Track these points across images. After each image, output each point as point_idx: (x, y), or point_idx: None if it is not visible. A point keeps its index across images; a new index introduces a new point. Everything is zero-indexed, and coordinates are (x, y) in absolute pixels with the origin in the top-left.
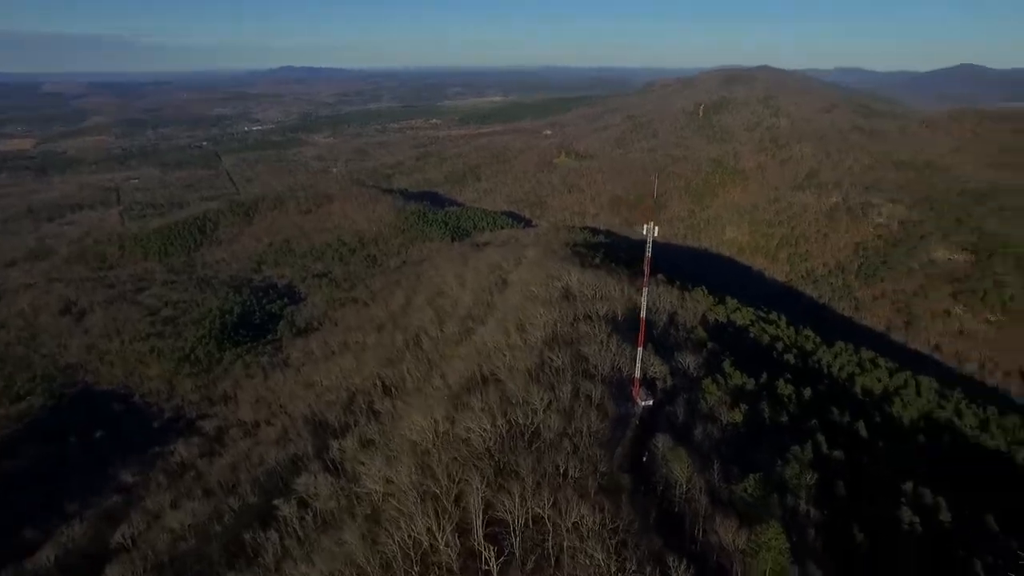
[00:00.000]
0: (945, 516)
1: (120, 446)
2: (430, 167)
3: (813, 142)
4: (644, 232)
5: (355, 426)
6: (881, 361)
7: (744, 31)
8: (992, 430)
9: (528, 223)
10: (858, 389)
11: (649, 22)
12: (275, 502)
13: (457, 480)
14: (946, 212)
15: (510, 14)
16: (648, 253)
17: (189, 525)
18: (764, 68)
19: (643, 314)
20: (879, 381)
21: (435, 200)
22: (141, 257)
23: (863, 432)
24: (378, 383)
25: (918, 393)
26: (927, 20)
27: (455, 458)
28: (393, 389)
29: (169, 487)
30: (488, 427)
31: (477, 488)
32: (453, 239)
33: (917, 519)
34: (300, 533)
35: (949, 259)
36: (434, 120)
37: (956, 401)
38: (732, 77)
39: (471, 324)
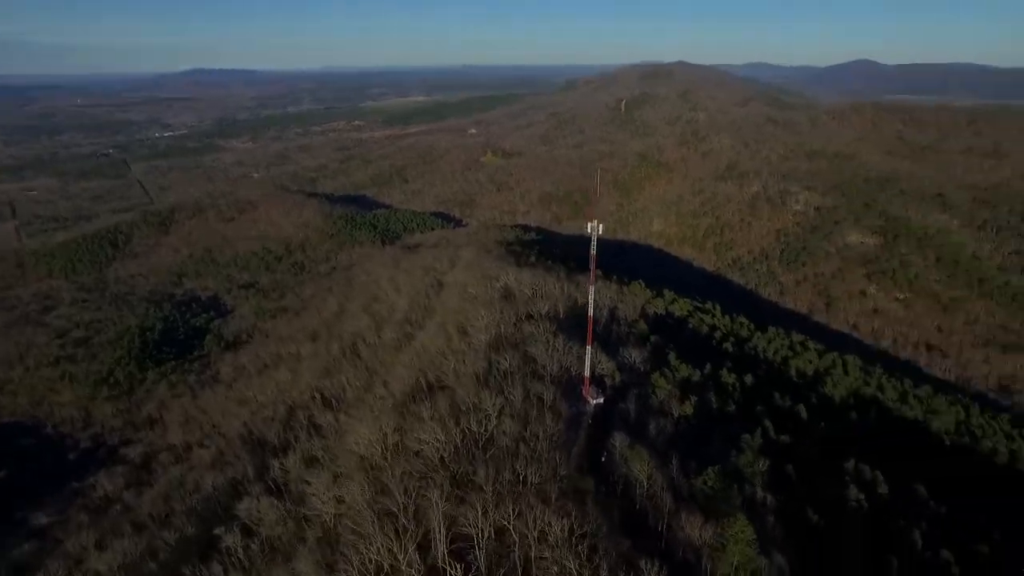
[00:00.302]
0: (883, 489)
1: (31, 484)
2: (355, 169)
3: (731, 134)
4: (588, 230)
5: (296, 443)
6: (810, 343)
7: (658, 28)
8: (910, 401)
9: (459, 223)
10: (792, 372)
11: (567, 21)
12: (216, 531)
13: (414, 495)
14: (855, 198)
15: (429, 13)
16: (593, 251)
17: (119, 566)
18: (681, 64)
19: (591, 312)
20: (810, 363)
21: (362, 203)
22: (45, 275)
23: (804, 414)
24: (317, 396)
25: (845, 372)
26: (825, 17)
27: (409, 472)
28: (334, 401)
29: (92, 525)
30: (441, 437)
31: (437, 503)
32: (383, 242)
33: (862, 495)
34: (246, 563)
35: (861, 242)
36: (357, 122)
37: (878, 377)
38: (651, 73)
39: (410, 329)
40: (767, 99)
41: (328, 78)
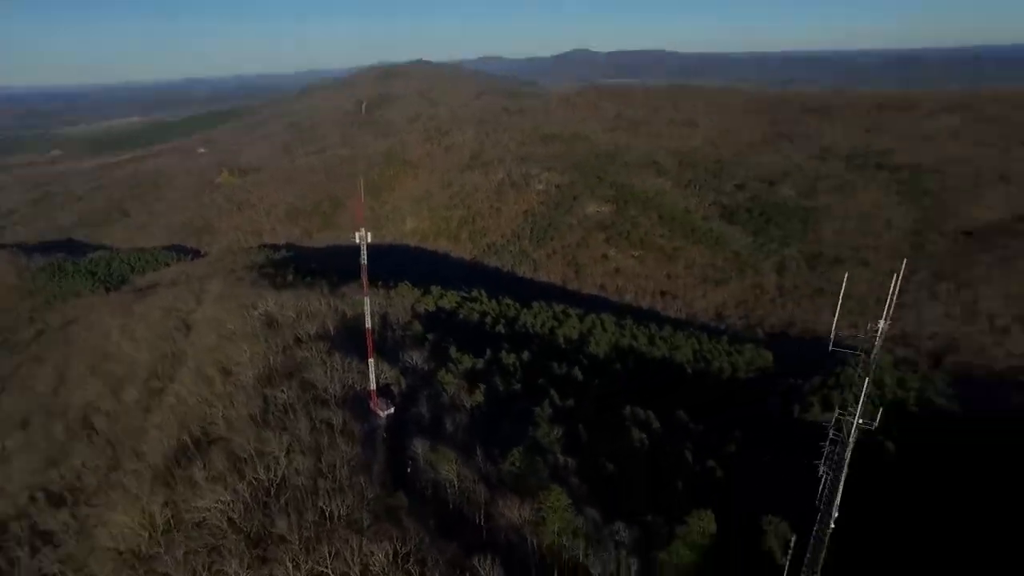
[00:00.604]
0: (656, 425)
1: None
2: (58, 210)
3: (472, 126)
4: (356, 239)
5: (16, 567)
6: (570, 310)
7: (391, 28)
8: (657, 343)
9: (197, 253)
10: (561, 340)
11: (296, 24)
12: None
13: (207, 574)
14: (589, 173)
15: (138, 20)
16: (363, 260)
17: None
18: (418, 63)
19: (368, 323)
20: (574, 328)
21: (73, 249)
22: None
23: (580, 376)
24: (39, 495)
25: (604, 329)
26: (545, 11)
27: (194, 549)
28: (67, 496)
29: None
30: (226, 496)
31: (237, 573)
32: (108, 290)
33: (643, 435)
34: None
35: (598, 211)
36: (54, 152)
37: (630, 328)
38: (388, 73)
39: (158, 383)
40: (502, 90)
41: (5, 102)
